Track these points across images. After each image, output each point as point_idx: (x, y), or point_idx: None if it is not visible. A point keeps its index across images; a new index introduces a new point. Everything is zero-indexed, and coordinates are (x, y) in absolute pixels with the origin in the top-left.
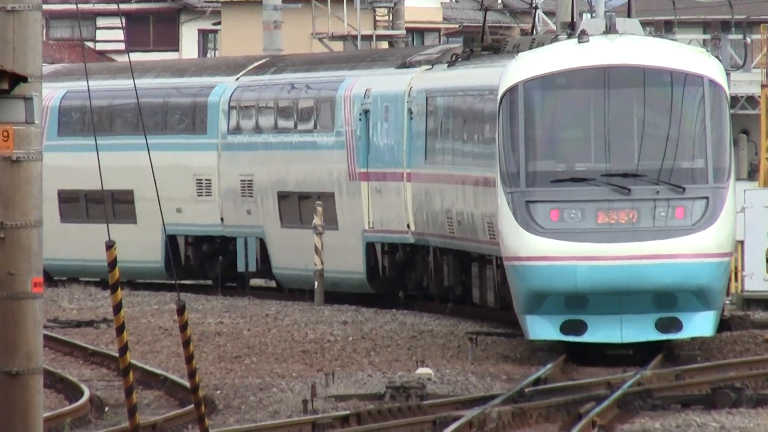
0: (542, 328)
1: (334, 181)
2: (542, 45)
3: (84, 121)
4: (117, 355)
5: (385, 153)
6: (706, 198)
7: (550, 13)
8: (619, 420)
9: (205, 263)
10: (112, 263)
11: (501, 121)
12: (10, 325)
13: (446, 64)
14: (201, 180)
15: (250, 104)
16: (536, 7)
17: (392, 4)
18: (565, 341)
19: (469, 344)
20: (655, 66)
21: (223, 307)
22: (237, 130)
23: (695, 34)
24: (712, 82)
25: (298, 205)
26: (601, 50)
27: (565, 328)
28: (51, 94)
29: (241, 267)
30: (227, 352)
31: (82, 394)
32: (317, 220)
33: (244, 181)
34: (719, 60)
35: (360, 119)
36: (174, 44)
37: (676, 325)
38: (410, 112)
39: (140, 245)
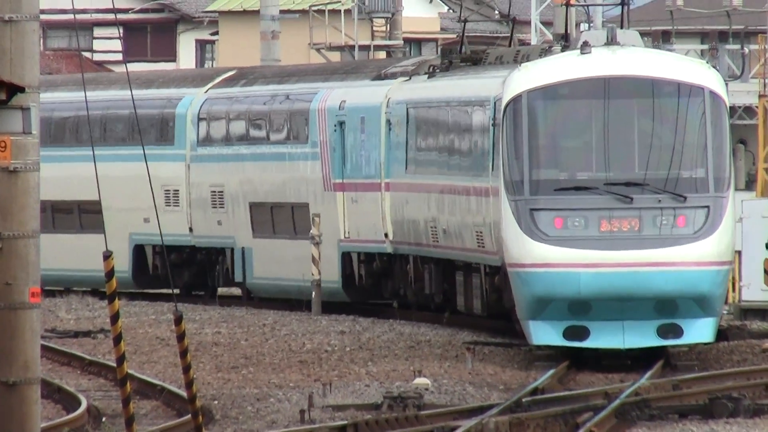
0: (545, 334)
1: (308, 191)
2: (527, 57)
3: (50, 132)
4: (114, 365)
5: (362, 164)
6: (707, 207)
7: (547, 23)
8: (617, 430)
9: (174, 273)
10: (110, 273)
11: (504, 130)
12: (7, 335)
13: (426, 76)
14: (169, 190)
15: (221, 116)
16: (513, 20)
17: (390, 15)
18: (567, 347)
19: (467, 354)
20: (656, 77)
21: (221, 317)
22: (207, 141)
23: (693, 45)
24: (712, 93)
25: (271, 216)
26: (603, 61)
27: (568, 334)
28: None
29: (239, 277)
30: (224, 362)
31: (79, 404)
32: (314, 231)
33: (214, 191)
34: (717, 70)
35: (335, 131)
36: (171, 54)
37: (676, 332)
38: (388, 123)
39: None
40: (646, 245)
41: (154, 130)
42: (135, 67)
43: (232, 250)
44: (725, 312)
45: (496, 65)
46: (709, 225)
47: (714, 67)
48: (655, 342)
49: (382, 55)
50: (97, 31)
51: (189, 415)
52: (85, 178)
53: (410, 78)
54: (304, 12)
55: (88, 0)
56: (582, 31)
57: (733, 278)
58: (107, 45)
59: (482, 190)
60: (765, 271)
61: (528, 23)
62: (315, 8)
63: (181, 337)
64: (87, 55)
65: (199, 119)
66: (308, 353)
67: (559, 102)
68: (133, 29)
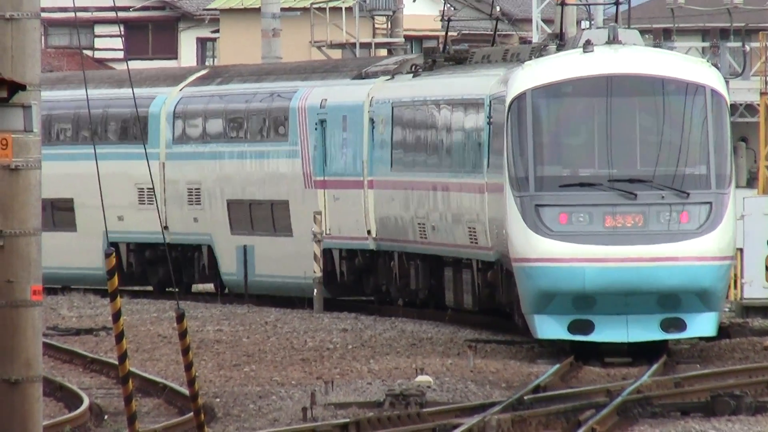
0: (550, 328)
1: (288, 189)
2: (517, 56)
3: None
4: (116, 362)
5: (344, 162)
6: (709, 203)
7: (548, 21)
8: (619, 428)
9: (147, 270)
10: (111, 271)
11: (509, 127)
12: (9, 333)
13: (410, 75)
14: (143, 188)
15: (197, 114)
16: (498, 18)
17: (391, 12)
18: (571, 341)
19: (469, 352)
20: (659, 75)
21: (222, 315)
22: (183, 139)
23: (694, 42)
24: (713, 91)
25: (250, 213)
26: (605, 60)
27: (573, 328)
28: None
29: (240, 275)
30: (226, 360)
31: (81, 402)
32: (316, 228)
33: (191, 189)
34: (718, 68)
35: (316, 129)
36: (173, 52)
37: (680, 326)
38: (371, 121)
39: (81, 252)
40: (650, 240)
41: (127, 128)
42: (136, 65)
43: (209, 246)
44: (727, 309)
45: (483, 64)
46: (712, 221)
47: (715, 65)
48: (659, 336)
49: (384, 52)
50: (98, 29)
51: (191, 413)
52: (59, 176)
53: (393, 77)
54: (305, 10)
55: None
56: (584, 29)
57: (735, 275)
58: (108, 43)
59: (476, 186)
60: (767, 268)
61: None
62: (316, 6)
63: (183, 334)
64: (88, 53)
65: (174, 118)
66: (310, 351)
67: (563, 100)
68: (134, 27)
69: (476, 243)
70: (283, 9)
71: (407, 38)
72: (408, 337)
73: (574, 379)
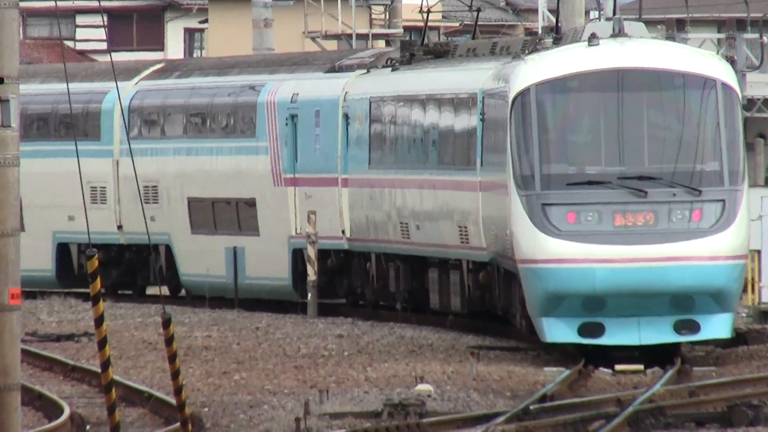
0: (559, 331)
1: (255, 186)
2: (507, 49)
3: None
4: (99, 370)
5: (317, 158)
6: (722, 201)
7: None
8: None
9: (99, 272)
10: (94, 274)
11: (512, 124)
12: None
13: (389, 69)
14: (95, 187)
15: (154, 109)
16: (479, 10)
17: (389, 2)
18: (580, 346)
19: (471, 359)
20: (667, 69)
21: (211, 320)
22: (138, 135)
23: (709, 33)
24: (724, 84)
25: (212, 212)
26: (612, 53)
27: (583, 331)
28: None
29: (230, 278)
30: (215, 368)
31: (62, 412)
32: (310, 229)
33: (147, 187)
34: (734, 60)
35: (287, 124)
36: (159, 43)
37: (693, 327)
38: (346, 117)
39: (29, 253)
40: (661, 240)
41: (79, 125)
42: (120, 56)
43: (167, 246)
44: (744, 314)
45: (469, 58)
46: (725, 219)
47: (731, 57)
48: (672, 338)
49: (381, 44)
50: (80, 19)
51: (178, 424)
52: None
53: (368, 71)
54: None
55: None
56: (592, 19)
57: (753, 279)
58: (91, 33)
59: (468, 184)
60: None
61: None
62: None
63: (169, 340)
64: (69, 44)
65: (129, 113)
66: (304, 358)
67: (569, 95)
68: (118, 17)
69: (467, 243)
70: None
71: (406, 29)
72: (407, 343)
73: (583, 388)
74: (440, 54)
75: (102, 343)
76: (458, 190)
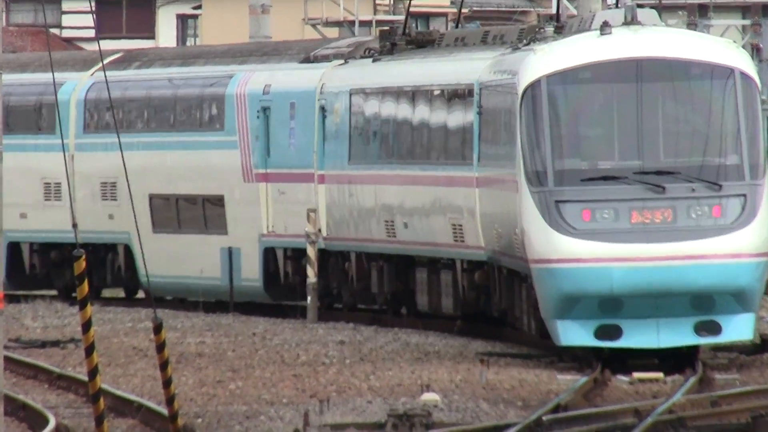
0: (575, 334)
1: (223, 182)
2: (501, 38)
3: None
4: (86, 378)
5: (291, 153)
6: (744, 195)
7: None
8: None
9: (52, 272)
10: (81, 276)
11: (523, 118)
12: None
13: (369, 59)
14: (49, 183)
15: (114, 101)
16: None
17: None
18: (597, 349)
19: (481, 366)
20: (684, 58)
21: (205, 325)
22: (96, 129)
23: (733, 20)
24: (743, 74)
25: (176, 209)
26: (626, 42)
27: (600, 333)
28: None
29: (225, 280)
30: (209, 376)
31: (47, 422)
32: (309, 228)
33: (105, 183)
34: (760, 48)
35: (258, 117)
36: (149, 31)
37: (715, 329)
38: (323, 110)
39: None
40: (681, 237)
41: (31, 118)
42: (109, 45)
43: (126, 246)
44: None
45: (458, 47)
46: (747, 214)
47: (756, 44)
48: (693, 340)
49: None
50: (66, 5)
51: None
52: None
53: (346, 61)
54: None
55: None
56: (612, 4)
57: None
58: (77, 20)
59: (464, 180)
60: None
61: None
62: None
63: (160, 347)
64: (55, 31)
65: (86, 105)
66: (303, 365)
67: (582, 87)
68: (107, 3)
69: (462, 241)
70: None
71: (412, 15)
72: (412, 350)
73: (599, 397)
74: (423, 44)
75: (89, 350)
76: (451, 186)
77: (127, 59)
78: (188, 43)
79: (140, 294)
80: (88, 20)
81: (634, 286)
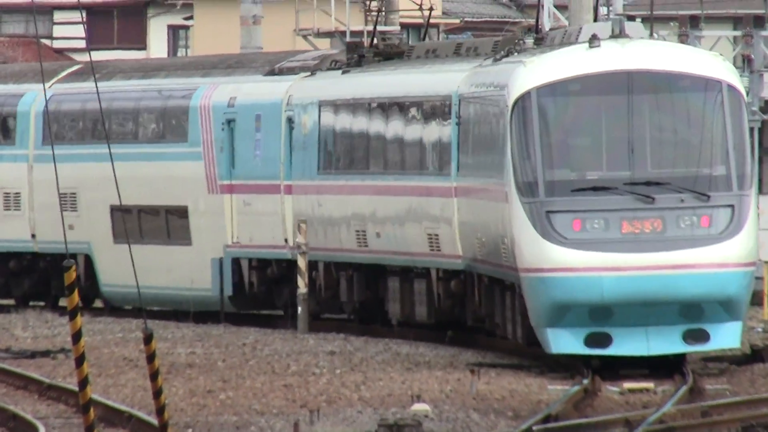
0: (565, 342)
1: (187, 194)
2: (475, 50)
3: None
4: (76, 389)
5: (257, 164)
6: (732, 206)
7: (561, 7)
8: None
9: (11, 281)
10: (71, 286)
11: (513, 129)
12: None
13: (338, 71)
14: (9, 193)
15: (74, 113)
16: (431, 9)
17: None
18: (587, 357)
19: (471, 377)
20: (672, 71)
21: (195, 336)
22: (56, 140)
23: (724, 31)
24: (730, 86)
25: (138, 220)
26: (614, 55)
27: (590, 341)
28: None
29: (215, 291)
30: (200, 386)
31: None
32: (301, 239)
33: (65, 194)
34: (752, 59)
35: (223, 129)
36: (141, 41)
37: (703, 337)
38: (290, 121)
39: None
40: (670, 247)
41: None
42: (101, 55)
43: (86, 256)
44: (760, 329)
45: (429, 59)
46: (735, 224)
47: (748, 56)
48: (681, 348)
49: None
50: (58, 16)
51: None
52: None
53: (313, 74)
54: None
55: None
56: (604, 16)
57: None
58: (69, 31)
59: (441, 190)
60: None
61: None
62: None
63: (151, 357)
64: (46, 42)
65: (45, 116)
66: (294, 376)
67: (572, 98)
68: (98, 13)
69: (438, 250)
70: None
71: (403, 26)
72: (403, 360)
73: (589, 408)
74: (392, 56)
75: (80, 360)
76: (428, 196)
77: (87, 71)
78: (179, 54)
79: (98, 303)
80: (80, 31)
81: (624, 295)
